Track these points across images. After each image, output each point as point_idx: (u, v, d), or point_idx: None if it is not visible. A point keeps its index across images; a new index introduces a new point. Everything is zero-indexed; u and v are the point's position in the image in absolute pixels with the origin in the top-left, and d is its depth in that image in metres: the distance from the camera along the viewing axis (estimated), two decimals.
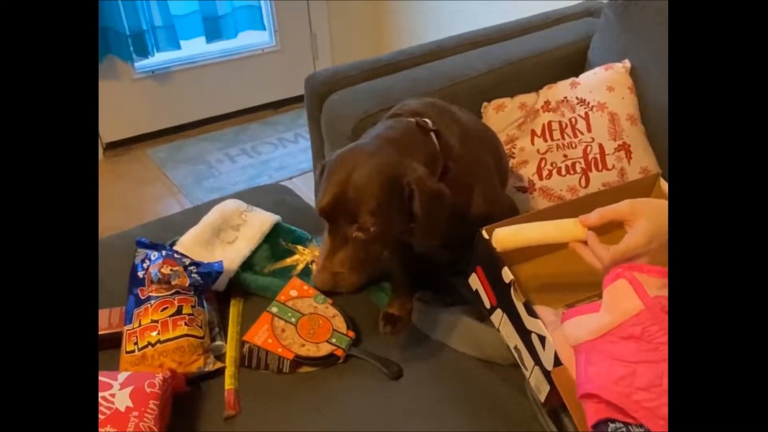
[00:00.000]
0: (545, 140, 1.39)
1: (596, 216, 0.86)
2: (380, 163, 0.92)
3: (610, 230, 0.86)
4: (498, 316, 0.95)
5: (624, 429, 0.72)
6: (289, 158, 2.70)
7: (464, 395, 1.05)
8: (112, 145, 2.80)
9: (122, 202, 2.49)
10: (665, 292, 0.74)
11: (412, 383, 1.07)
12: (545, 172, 1.37)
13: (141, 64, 2.70)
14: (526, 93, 1.46)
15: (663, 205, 0.83)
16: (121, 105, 2.73)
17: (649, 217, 0.82)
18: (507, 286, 0.89)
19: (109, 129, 2.75)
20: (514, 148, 1.40)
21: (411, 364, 1.09)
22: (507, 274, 0.89)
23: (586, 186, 1.35)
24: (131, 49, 2.57)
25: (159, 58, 2.69)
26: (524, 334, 0.89)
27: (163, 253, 1.12)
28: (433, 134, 1.02)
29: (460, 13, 2.58)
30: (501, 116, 1.42)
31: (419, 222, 0.94)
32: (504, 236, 0.89)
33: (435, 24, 2.73)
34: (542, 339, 0.85)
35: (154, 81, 2.78)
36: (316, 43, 3.02)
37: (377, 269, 1.12)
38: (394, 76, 1.43)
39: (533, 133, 1.40)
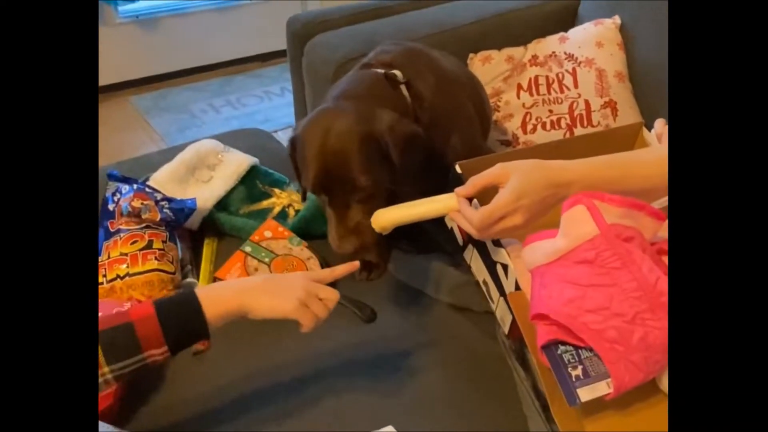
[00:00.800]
0: (531, 95, 1.36)
1: (469, 185, 0.83)
2: (351, 123, 0.92)
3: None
4: (469, 253, 0.95)
5: (573, 351, 0.73)
6: (274, 111, 2.66)
7: (436, 339, 1.04)
8: None
9: (102, 147, 2.42)
10: (624, 222, 0.73)
11: (384, 327, 1.06)
12: (530, 127, 1.35)
13: (125, 8, 2.62)
14: (514, 46, 1.42)
15: (534, 163, 0.81)
16: (102, 50, 2.64)
17: (517, 175, 0.79)
18: None
19: None
20: (500, 101, 1.37)
21: (385, 308, 1.08)
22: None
23: None
24: None
25: (144, 3, 2.61)
26: (491, 266, 0.89)
27: (135, 186, 1.09)
28: (403, 86, 1.00)
29: None
30: (487, 68, 1.39)
31: (399, 167, 0.93)
32: (382, 216, 0.89)
33: None
34: (505, 267, 0.84)
35: (138, 26, 2.71)
36: None
37: None
38: (378, 21, 1.39)
39: (519, 87, 1.37)
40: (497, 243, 0.85)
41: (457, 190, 0.85)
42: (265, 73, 2.95)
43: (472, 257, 0.94)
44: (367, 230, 0.93)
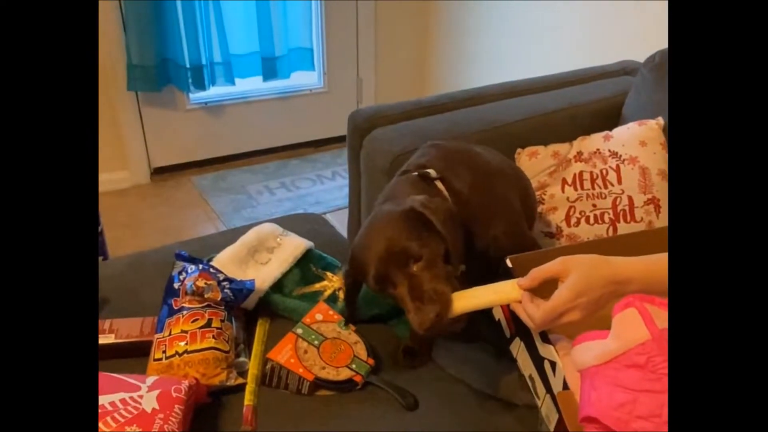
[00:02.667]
0: (575, 189, 1.39)
1: (529, 277, 0.84)
2: (391, 211, 0.97)
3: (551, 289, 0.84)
4: (516, 346, 0.95)
5: None
6: (325, 194, 2.74)
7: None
8: (160, 170, 2.88)
9: (163, 224, 2.55)
10: None
11: (425, 416, 1.06)
12: (573, 220, 1.36)
13: (196, 96, 2.79)
14: (560, 143, 1.47)
15: (594, 260, 0.81)
16: (172, 133, 2.82)
17: (578, 271, 0.80)
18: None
19: (159, 154, 2.84)
20: (545, 194, 1.40)
21: (427, 396, 1.08)
22: None
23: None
24: (189, 81, 2.66)
25: (213, 91, 2.78)
26: (538, 361, 0.88)
27: (200, 266, 1.14)
28: (438, 182, 1.05)
29: (502, 65, 2.62)
30: (533, 162, 1.43)
31: (446, 236, 0.95)
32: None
33: (477, 74, 2.78)
34: (553, 365, 0.84)
35: (205, 112, 2.87)
36: (362, 87, 3.09)
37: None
38: (433, 117, 1.46)
39: (564, 181, 1.41)
40: (546, 339, 0.85)
41: (519, 281, 0.86)
42: (319, 158, 3.07)
43: (519, 350, 0.95)
44: (441, 295, 0.90)
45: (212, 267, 1.16)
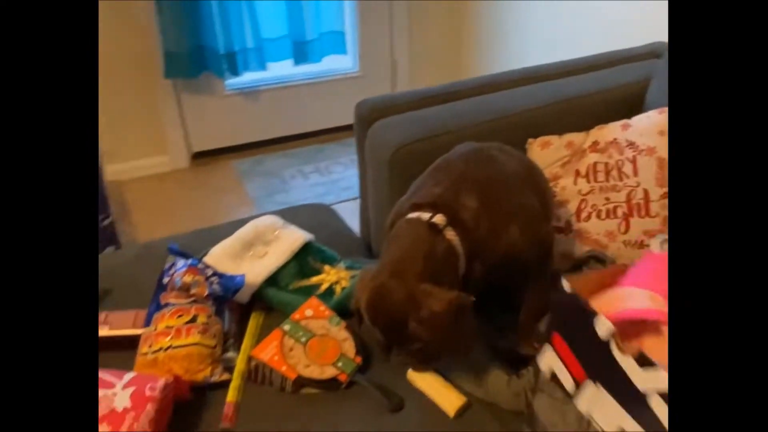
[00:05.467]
0: (588, 181, 1.29)
1: None
2: (393, 305, 0.94)
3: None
4: (589, 394, 0.75)
5: None
6: (357, 179, 2.70)
7: None
8: (200, 155, 2.90)
9: (198, 208, 2.57)
10: None
11: (410, 418, 1.01)
12: (584, 214, 1.27)
13: (231, 81, 2.79)
14: (576, 132, 1.37)
15: None
16: (211, 118, 2.83)
17: None
18: (604, 345, 0.70)
19: (199, 139, 2.85)
20: (556, 186, 1.31)
21: (414, 397, 1.04)
22: (604, 325, 0.70)
23: (626, 232, 1.24)
24: (224, 67, 2.66)
25: (248, 77, 2.77)
26: (636, 403, 0.69)
27: (189, 262, 1.13)
28: (448, 228, 1.00)
29: (540, 45, 2.50)
30: (545, 153, 1.34)
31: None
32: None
33: (513, 56, 2.66)
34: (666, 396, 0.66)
35: (242, 98, 2.87)
36: (397, 70, 3.01)
37: None
38: (440, 107, 1.38)
39: (577, 173, 1.31)
40: (648, 363, 0.67)
41: None
42: (353, 142, 3.02)
43: (595, 399, 0.74)
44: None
45: (201, 262, 1.13)
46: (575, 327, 0.74)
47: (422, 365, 1.02)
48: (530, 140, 1.36)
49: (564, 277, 0.78)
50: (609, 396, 0.72)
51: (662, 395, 0.66)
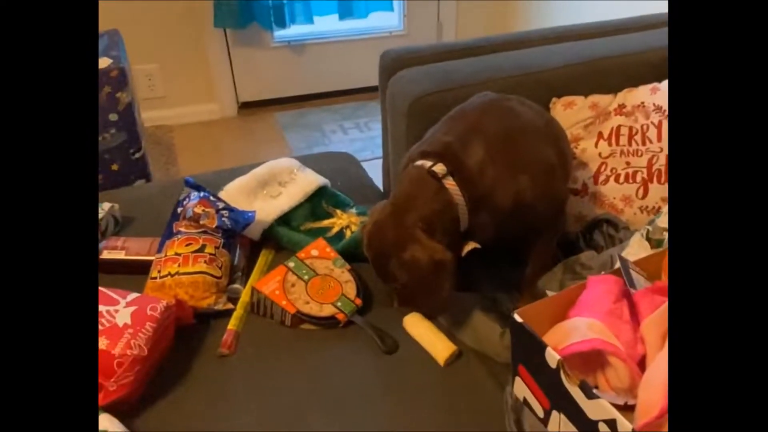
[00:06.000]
0: (610, 144, 1.25)
1: None
2: (383, 240, 0.99)
3: None
4: (555, 423, 0.76)
5: None
6: None
7: (446, 383, 0.98)
8: (246, 105, 2.94)
9: (240, 155, 2.61)
10: None
11: (402, 360, 1.02)
12: (602, 177, 1.23)
13: (279, 34, 2.80)
14: (602, 94, 1.32)
15: None
16: (258, 69, 2.86)
17: None
18: (555, 373, 0.72)
19: (246, 90, 2.89)
20: (576, 147, 1.27)
21: (408, 342, 1.04)
22: (552, 356, 0.72)
23: (644, 197, 1.20)
24: (272, 19, 2.67)
25: (295, 30, 2.77)
26: (589, 427, 0.70)
27: (201, 194, 1.15)
28: (449, 177, 0.99)
29: (586, 7, 2.40)
30: (568, 113, 1.29)
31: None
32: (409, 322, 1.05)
33: (561, 19, 2.56)
34: (612, 424, 0.67)
35: (289, 51, 2.88)
36: (442, 31, 2.96)
37: None
38: (464, 60, 1.35)
39: (600, 135, 1.27)
40: (590, 395, 0.68)
41: None
42: None
43: (560, 426, 0.76)
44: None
45: (213, 195, 1.16)
46: (533, 358, 0.76)
47: (402, 304, 1.05)
48: (554, 99, 1.32)
49: (516, 312, 0.78)
50: (570, 423, 0.74)
51: (608, 422, 0.67)
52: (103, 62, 1.70)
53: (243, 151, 2.65)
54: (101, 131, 1.72)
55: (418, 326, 1.05)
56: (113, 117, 1.75)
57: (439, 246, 0.95)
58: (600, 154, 1.25)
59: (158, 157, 2.55)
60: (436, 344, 1.02)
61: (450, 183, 0.98)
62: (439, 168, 0.99)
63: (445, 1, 2.90)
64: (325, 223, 1.25)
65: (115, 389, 0.87)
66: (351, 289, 1.10)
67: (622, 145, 1.24)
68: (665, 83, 1.28)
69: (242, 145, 2.70)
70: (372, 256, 1.02)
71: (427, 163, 1.00)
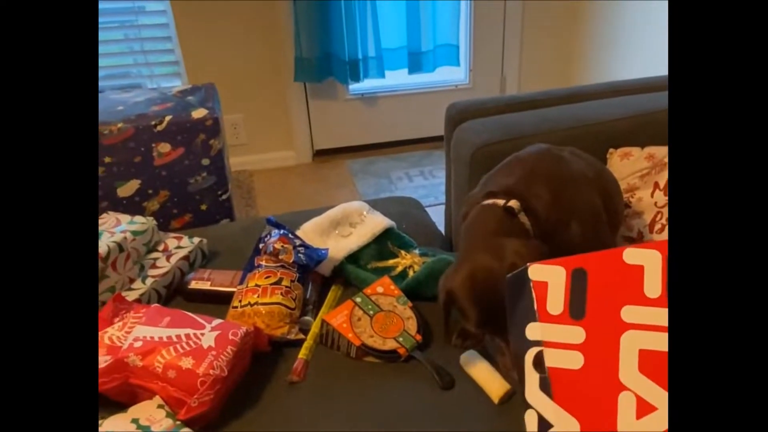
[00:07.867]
0: (666, 194, 1.24)
1: None
2: (492, 271, 0.96)
3: None
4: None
5: None
6: None
7: (500, 420, 0.99)
8: (321, 152, 3.06)
9: (314, 200, 2.72)
10: None
11: (458, 397, 1.03)
12: (658, 226, 1.23)
13: (353, 87, 2.92)
14: (658, 145, 1.32)
15: None
16: (332, 120, 2.98)
17: None
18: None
19: (321, 138, 3.01)
20: (632, 197, 1.27)
21: (464, 379, 1.06)
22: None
23: None
24: (347, 73, 2.79)
25: (368, 83, 2.89)
26: None
27: (281, 231, 1.22)
28: (521, 213, 1.02)
29: (650, 59, 2.40)
30: (625, 164, 1.30)
31: None
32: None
33: (620, 73, 2.57)
34: None
35: (362, 103, 2.99)
36: (505, 84, 3.01)
37: None
38: (525, 113, 1.39)
39: (656, 185, 1.27)
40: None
41: None
42: None
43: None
44: None
45: (291, 233, 1.22)
46: None
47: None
48: (611, 150, 1.33)
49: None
50: None
51: None
52: (200, 113, 1.84)
53: (316, 196, 2.76)
54: (194, 174, 1.85)
55: (475, 364, 1.06)
56: (205, 161, 1.87)
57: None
58: (656, 204, 1.25)
59: (239, 200, 2.68)
60: (492, 382, 1.03)
61: (524, 219, 1.01)
62: (515, 204, 1.01)
63: (509, 57, 2.96)
64: (390, 262, 1.30)
65: (196, 405, 0.93)
66: (412, 326, 1.13)
67: None
68: None
69: (315, 190, 2.81)
70: (486, 304, 0.97)
71: (500, 201, 1.02)
